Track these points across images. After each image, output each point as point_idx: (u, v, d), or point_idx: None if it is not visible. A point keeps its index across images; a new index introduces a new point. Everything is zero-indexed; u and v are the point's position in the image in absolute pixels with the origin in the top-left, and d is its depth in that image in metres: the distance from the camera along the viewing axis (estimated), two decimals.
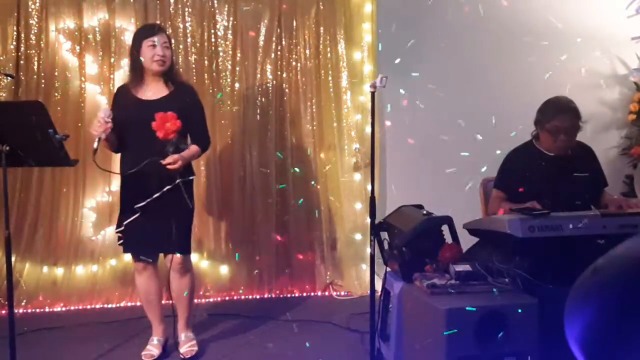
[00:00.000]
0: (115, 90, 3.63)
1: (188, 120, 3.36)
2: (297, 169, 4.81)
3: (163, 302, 3.69)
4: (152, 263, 3.52)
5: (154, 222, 3.34)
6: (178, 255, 3.45)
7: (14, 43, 4.47)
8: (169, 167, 3.22)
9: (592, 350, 0.78)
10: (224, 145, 4.78)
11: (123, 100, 3.43)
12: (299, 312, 4.39)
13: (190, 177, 3.48)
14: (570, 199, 3.20)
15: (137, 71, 3.43)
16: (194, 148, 3.43)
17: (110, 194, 4.62)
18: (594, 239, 2.98)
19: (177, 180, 3.32)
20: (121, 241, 3.46)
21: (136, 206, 3.31)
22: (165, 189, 3.30)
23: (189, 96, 3.50)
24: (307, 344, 3.74)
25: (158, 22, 4.58)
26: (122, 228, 3.39)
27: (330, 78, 4.87)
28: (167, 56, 3.40)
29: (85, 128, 4.54)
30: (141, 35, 3.46)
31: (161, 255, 3.58)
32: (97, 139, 3.16)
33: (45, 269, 4.57)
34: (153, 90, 3.43)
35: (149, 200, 3.30)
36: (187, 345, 3.58)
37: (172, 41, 3.66)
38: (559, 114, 3.32)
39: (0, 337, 3.09)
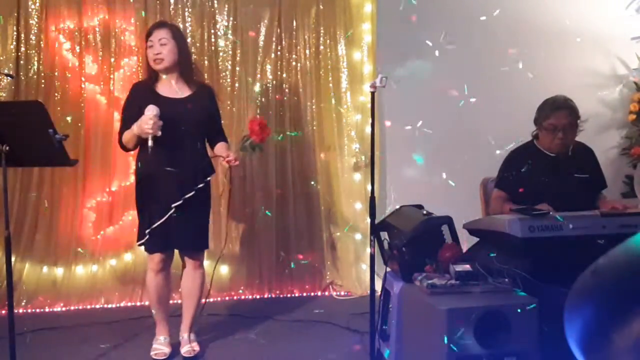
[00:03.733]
0: (130, 88, 3.57)
1: (210, 119, 3.51)
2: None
3: (171, 301, 3.70)
4: (169, 261, 3.54)
5: (178, 220, 3.35)
6: (195, 252, 3.56)
7: (14, 43, 4.47)
8: (234, 163, 3.43)
9: (592, 350, 0.78)
10: None
11: (145, 97, 3.33)
12: (299, 312, 4.39)
13: (209, 178, 3.54)
14: (570, 199, 3.20)
15: (150, 70, 3.46)
16: (226, 144, 3.59)
17: (110, 194, 4.62)
18: (593, 239, 2.99)
19: (208, 178, 3.48)
20: (143, 240, 3.40)
21: (173, 205, 3.32)
22: (199, 186, 3.39)
23: (210, 97, 3.56)
24: (307, 344, 3.75)
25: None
26: (155, 226, 3.35)
27: (330, 78, 4.88)
28: (163, 52, 3.36)
29: (85, 128, 4.55)
30: (145, 36, 3.51)
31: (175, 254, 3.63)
32: (151, 138, 3.16)
33: (45, 269, 4.57)
34: (177, 89, 3.44)
35: (185, 197, 3.34)
36: (188, 345, 3.59)
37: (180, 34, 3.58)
38: (555, 111, 3.35)
39: (0, 337, 3.09)
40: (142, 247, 3.49)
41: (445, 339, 2.49)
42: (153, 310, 3.60)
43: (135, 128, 3.23)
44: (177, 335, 3.66)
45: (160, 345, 3.57)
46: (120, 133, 3.39)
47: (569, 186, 3.35)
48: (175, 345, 3.63)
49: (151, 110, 3.16)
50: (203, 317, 4.15)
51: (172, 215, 3.33)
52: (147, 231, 3.37)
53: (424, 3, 4.90)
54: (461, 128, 4.73)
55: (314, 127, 4.89)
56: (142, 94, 3.40)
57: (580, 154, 3.50)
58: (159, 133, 3.17)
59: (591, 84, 5.12)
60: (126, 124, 3.34)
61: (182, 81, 3.46)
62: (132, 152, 3.70)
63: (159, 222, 3.34)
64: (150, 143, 3.15)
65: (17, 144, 2.84)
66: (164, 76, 3.44)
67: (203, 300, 4.53)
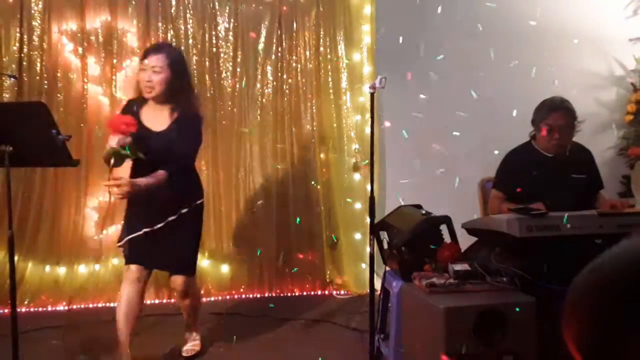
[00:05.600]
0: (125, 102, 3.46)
1: None
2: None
3: (164, 300, 3.67)
4: (143, 275, 3.28)
5: (156, 241, 3.20)
6: (177, 276, 3.36)
7: (17, 44, 4.50)
8: (112, 189, 2.90)
9: (590, 350, 0.79)
10: (224, 146, 4.81)
11: None
12: (299, 311, 4.41)
13: (199, 202, 3.36)
14: (567, 199, 3.23)
15: (140, 91, 3.24)
16: (158, 174, 3.06)
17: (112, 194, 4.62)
18: (591, 238, 3.01)
19: (184, 210, 3.23)
20: (121, 243, 3.29)
21: (143, 231, 3.17)
22: (169, 219, 3.17)
23: (188, 127, 3.20)
24: (307, 344, 3.77)
25: (160, 23, 4.61)
26: (122, 243, 3.25)
27: (330, 79, 4.90)
28: (154, 81, 3.11)
29: (88, 128, 4.57)
30: (140, 57, 3.29)
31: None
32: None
33: (47, 268, 4.59)
34: (156, 118, 3.20)
35: (149, 230, 3.16)
36: (189, 344, 3.61)
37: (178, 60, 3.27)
38: (552, 112, 3.37)
39: (3, 336, 3.10)
40: None
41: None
42: (119, 325, 3.34)
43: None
44: (168, 337, 3.71)
45: None
46: None
47: (566, 186, 3.37)
48: (176, 344, 3.66)
49: (113, 142, 2.95)
50: (203, 317, 4.17)
51: (147, 236, 3.18)
52: (118, 244, 3.31)
53: (423, 4, 4.93)
54: (460, 128, 4.74)
55: (314, 127, 4.91)
56: (128, 113, 3.21)
57: (578, 154, 3.52)
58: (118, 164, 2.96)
59: (589, 85, 5.14)
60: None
61: (168, 110, 3.21)
62: None
63: (124, 241, 3.23)
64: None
65: (21, 144, 2.85)
66: (168, 105, 3.22)
67: (203, 300, 4.59)
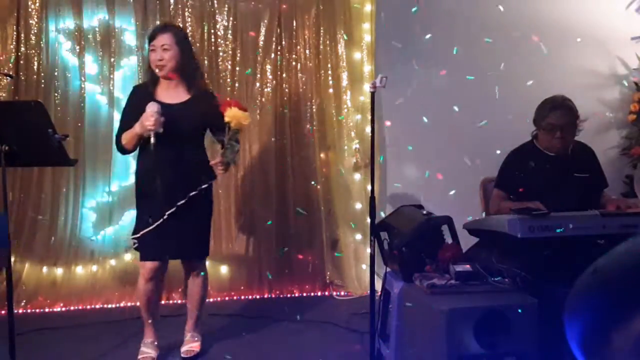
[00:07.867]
0: (131, 90, 3.52)
1: (211, 125, 3.40)
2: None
3: (171, 301, 3.66)
4: (162, 270, 3.40)
5: (175, 227, 3.23)
6: (195, 261, 3.51)
7: (14, 43, 4.47)
8: (219, 170, 3.26)
9: (592, 351, 0.78)
10: None
11: (141, 100, 3.26)
12: (299, 312, 4.39)
13: (209, 183, 3.39)
14: (570, 199, 3.20)
15: (151, 73, 3.38)
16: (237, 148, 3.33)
17: (110, 194, 4.61)
18: (593, 239, 2.99)
19: (204, 185, 3.31)
20: (136, 245, 3.32)
21: (167, 213, 3.20)
22: (192, 194, 3.24)
23: (208, 102, 3.36)
24: (307, 344, 3.74)
25: (158, 22, 4.58)
26: (139, 235, 3.26)
27: (330, 78, 4.87)
28: (165, 59, 3.27)
29: (85, 128, 4.55)
30: (148, 39, 3.44)
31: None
32: (153, 135, 3.10)
33: (45, 269, 4.56)
34: (173, 94, 3.35)
35: (178, 204, 3.20)
36: (189, 345, 3.59)
37: (186, 38, 3.48)
38: (553, 110, 3.35)
39: (0, 338, 3.08)
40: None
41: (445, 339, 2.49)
42: (143, 312, 3.49)
43: (137, 127, 3.16)
44: (168, 337, 3.65)
45: (147, 348, 3.49)
46: (119, 136, 3.33)
47: (569, 186, 3.35)
48: (176, 344, 3.63)
49: (152, 107, 3.11)
50: (203, 317, 4.15)
51: (166, 223, 3.21)
52: (134, 236, 3.30)
53: (424, 3, 4.90)
54: (461, 128, 4.72)
55: (314, 127, 4.88)
56: (139, 97, 3.35)
57: (580, 153, 3.50)
58: (161, 130, 3.11)
59: (591, 84, 5.12)
60: (125, 127, 3.30)
61: (183, 86, 3.38)
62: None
63: (144, 231, 3.23)
64: (152, 140, 3.11)
65: (17, 144, 2.84)
66: (182, 82, 3.38)
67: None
